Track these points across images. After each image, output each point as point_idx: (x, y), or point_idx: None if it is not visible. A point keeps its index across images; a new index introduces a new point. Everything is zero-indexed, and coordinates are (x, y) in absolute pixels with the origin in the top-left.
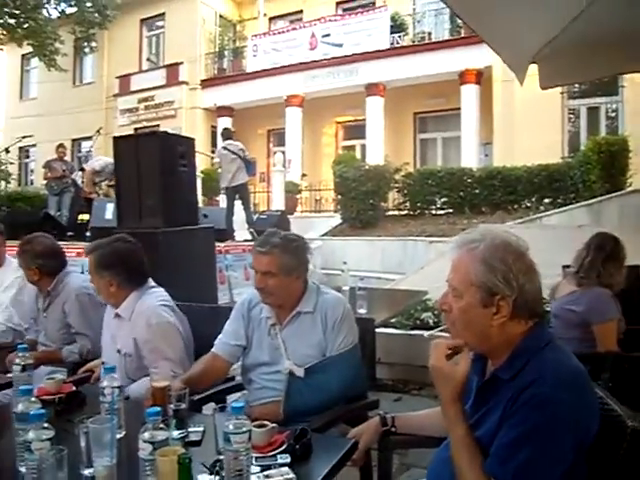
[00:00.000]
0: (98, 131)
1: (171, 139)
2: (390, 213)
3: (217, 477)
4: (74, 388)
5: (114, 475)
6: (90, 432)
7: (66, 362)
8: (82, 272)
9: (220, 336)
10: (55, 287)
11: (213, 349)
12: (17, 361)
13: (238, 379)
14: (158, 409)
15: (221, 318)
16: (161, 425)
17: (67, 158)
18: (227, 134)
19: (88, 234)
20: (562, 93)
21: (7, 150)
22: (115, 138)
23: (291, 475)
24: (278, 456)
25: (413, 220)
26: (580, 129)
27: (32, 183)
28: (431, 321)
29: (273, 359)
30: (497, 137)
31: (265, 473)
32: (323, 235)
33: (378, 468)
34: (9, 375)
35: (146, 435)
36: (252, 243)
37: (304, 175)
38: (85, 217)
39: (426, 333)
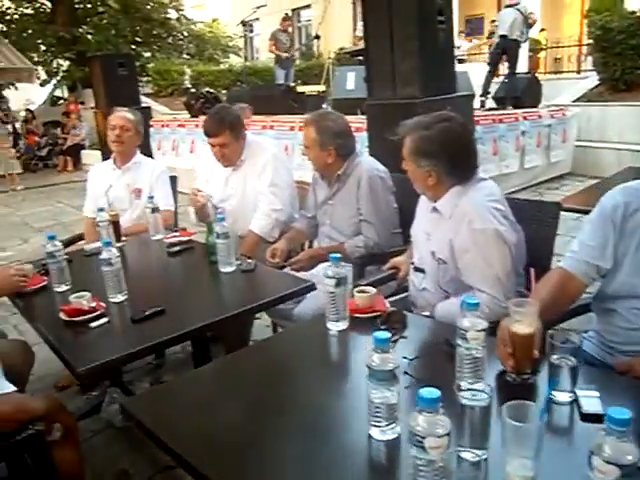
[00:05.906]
0: None
1: None
2: None
3: None
4: (388, 305)
5: None
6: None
7: (351, 258)
8: None
9: (574, 247)
10: (346, 171)
11: (563, 264)
12: (329, 273)
13: None
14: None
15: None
16: None
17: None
18: None
19: (324, 106)
20: None
21: (243, 23)
22: None
23: None
24: None
25: None
26: None
27: (257, 58)
28: None
29: None
30: None
31: None
32: (576, 100)
33: None
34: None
35: None
36: (502, 113)
37: (542, 30)
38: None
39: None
